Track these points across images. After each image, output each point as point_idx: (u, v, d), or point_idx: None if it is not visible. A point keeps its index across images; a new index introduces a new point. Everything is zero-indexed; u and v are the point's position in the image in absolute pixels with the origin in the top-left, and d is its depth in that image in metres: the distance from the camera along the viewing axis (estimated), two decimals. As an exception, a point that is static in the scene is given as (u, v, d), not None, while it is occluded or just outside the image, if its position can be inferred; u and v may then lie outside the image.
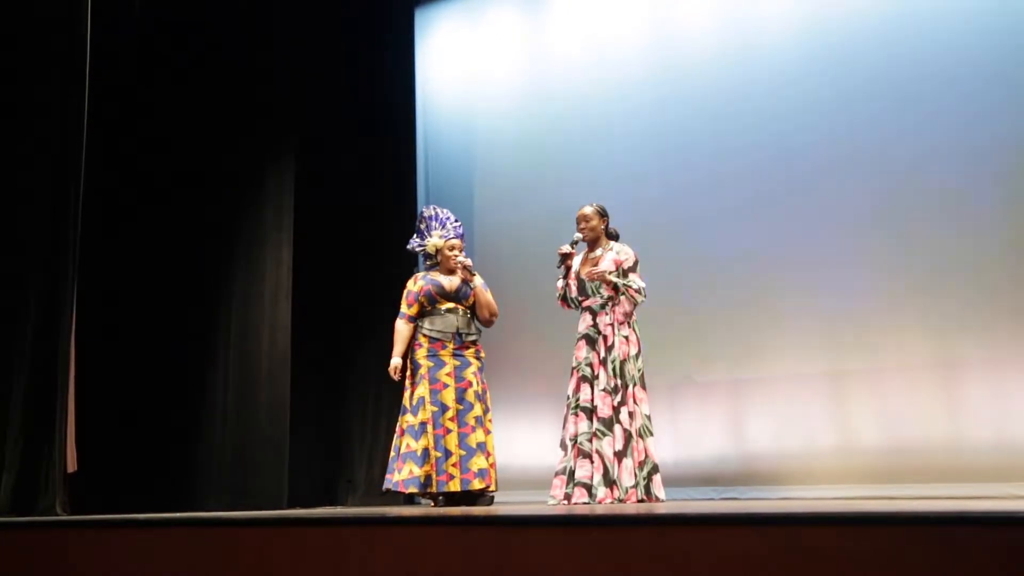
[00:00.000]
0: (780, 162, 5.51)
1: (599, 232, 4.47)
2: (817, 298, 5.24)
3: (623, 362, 4.20)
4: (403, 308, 4.55)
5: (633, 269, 4.36)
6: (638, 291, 4.28)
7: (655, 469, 4.15)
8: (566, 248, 4.44)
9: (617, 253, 4.39)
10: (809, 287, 5.28)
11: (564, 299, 4.52)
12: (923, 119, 5.11)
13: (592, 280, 4.32)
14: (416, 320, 4.51)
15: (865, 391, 5.05)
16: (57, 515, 4.22)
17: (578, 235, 4.48)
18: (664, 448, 4.58)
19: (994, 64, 4.97)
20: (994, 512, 1.79)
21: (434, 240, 4.64)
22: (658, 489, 4.12)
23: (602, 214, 4.49)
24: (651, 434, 4.19)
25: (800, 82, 5.52)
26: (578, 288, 4.43)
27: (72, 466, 4.66)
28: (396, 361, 4.44)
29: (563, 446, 4.30)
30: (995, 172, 4.89)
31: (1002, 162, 4.88)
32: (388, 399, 5.80)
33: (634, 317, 4.33)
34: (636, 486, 4.06)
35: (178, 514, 3.67)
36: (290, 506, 5.54)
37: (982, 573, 1.64)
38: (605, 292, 4.34)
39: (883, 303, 5.05)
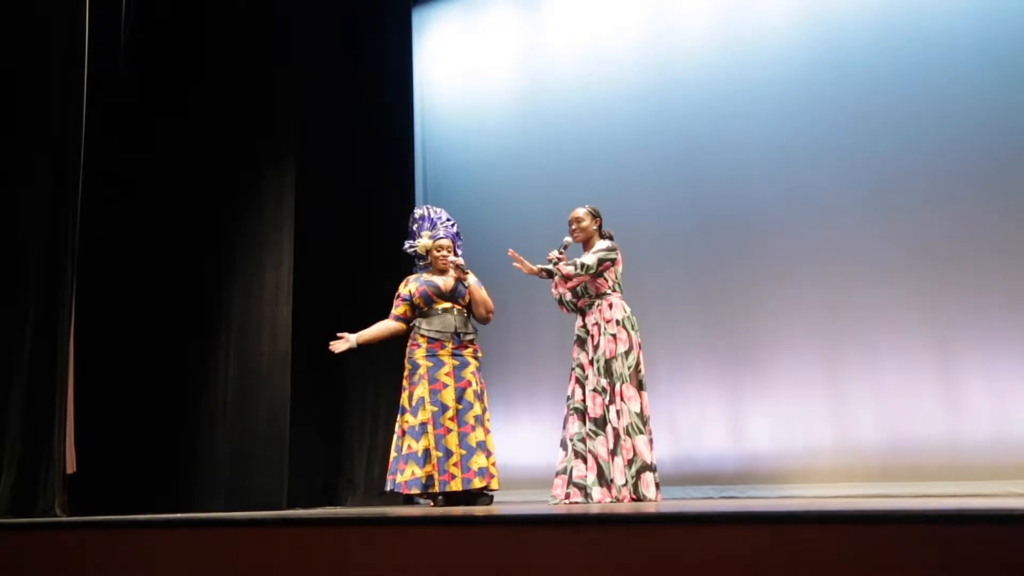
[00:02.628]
0: (778, 161, 5.51)
1: (591, 233, 4.47)
2: (816, 297, 5.25)
3: (609, 360, 4.19)
4: (393, 309, 4.57)
5: (596, 253, 4.33)
6: (567, 265, 4.30)
7: (644, 468, 4.08)
8: (553, 254, 4.42)
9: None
10: (808, 286, 5.29)
11: (561, 303, 4.52)
12: (923, 120, 5.12)
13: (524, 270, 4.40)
14: (403, 321, 4.52)
15: (864, 390, 5.06)
16: (56, 516, 4.22)
17: (568, 238, 4.48)
18: (663, 447, 4.58)
19: (989, 62, 4.98)
20: (993, 510, 1.80)
21: (423, 241, 4.64)
22: (646, 488, 4.05)
23: (594, 215, 4.49)
24: (640, 432, 4.13)
25: (799, 79, 5.53)
26: (571, 293, 4.43)
27: (71, 467, 4.65)
28: (353, 338, 4.44)
29: (563, 446, 4.30)
30: (991, 171, 4.89)
31: (998, 161, 4.88)
32: (387, 399, 5.80)
33: (628, 314, 4.31)
34: (626, 484, 4.05)
35: (178, 515, 3.67)
36: (290, 506, 5.54)
37: (982, 571, 1.65)
38: (592, 291, 4.34)
39: (881, 302, 5.06)
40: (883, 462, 4.90)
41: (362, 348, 6.11)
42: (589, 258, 4.31)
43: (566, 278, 4.34)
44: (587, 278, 4.31)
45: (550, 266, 4.38)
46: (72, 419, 4.67)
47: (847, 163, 5.31)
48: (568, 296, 4.44)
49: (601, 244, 4.38)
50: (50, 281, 4.55)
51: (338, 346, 4.49)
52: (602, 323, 4.25)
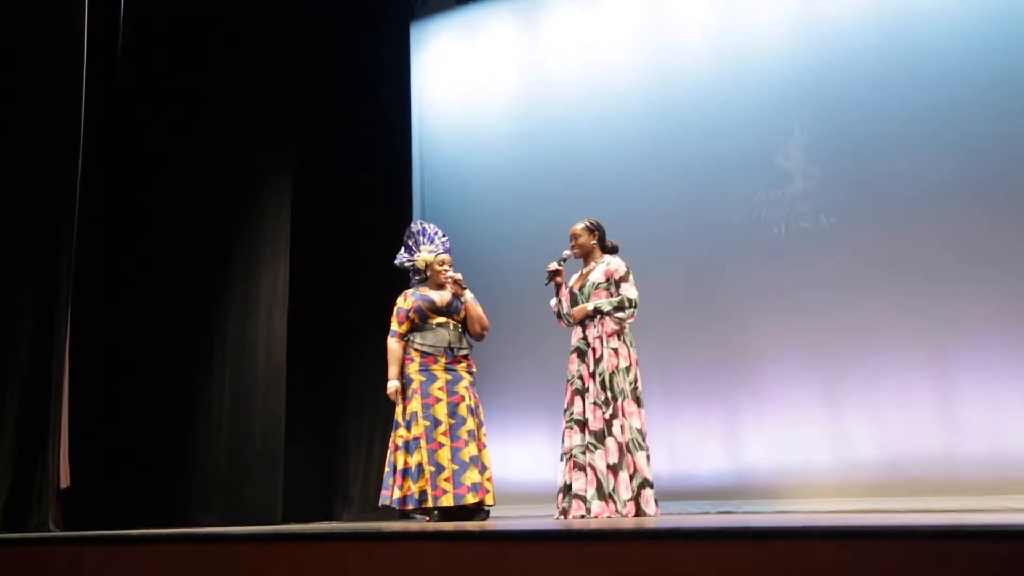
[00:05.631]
0: (775, 176, 5.53)
1: (590, 247, 4.48)
2: (812, 313, 5.26)
3: (612, 375, 4.19)
4: (393, 326, 4.55)
5: (625, 279, 4.35)
6: (620, 308, 4.28)
7: (644, 484, 4.10)
8: (553, 265, 4.45)
9: (608, 265, 4.40)
10: (804, 303, 5.30)
11: (559, 315, 4.53)
12: (919, 137, 5.14)
13: (576, 321, 4.34)
14: (407, 336, 4.51)
15: (860, 405, 5.06)
16: (50, 531, 4.19)
17: (567, 252, 4.49)
18: (661, 462, 4.58)
19: (985, 71, 5.00)
20: (989, 525, 1.80)
21: (423, 255, 4.64)
22: (646, 504, 4.07)
23: (592, 229, 4.49)
24: (641, 448, 4.15)
25: (797, 95, 5.55)
26: (571, 303, 4.44)
27: (65, 481, 4.63)
28: (394, 384, 4.44)
29: (564, 460, 4.29)
30: (986, 186, 4.92)
31: (993, 176, 4.91)
32: (383, 413, 5.78)
33: (627, 330, 4.32)
34: (631, 499, 4.05)
35: (173, 530, 3.66)
36: (285, 520, 5.51)
37: (978, 586, 1.65)
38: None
39: (878, 318, 5.07)
40: (879, 477, 4.90)
41: (359, 361, 6.11)
42: (632, 291, 4.32)
43: (620, 318, 4.29)
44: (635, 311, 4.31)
45: (606, 307, 4.27)
46: (66, 433, 4.65)
47: (843, 179, 5.34)
48: (567, 308, 4.45)
49: (617, 264, 4.38)
50: (46, 293, 4.54)
51: (397, 397, 4.46)
52: (604, 336, 4.25)
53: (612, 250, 4.51)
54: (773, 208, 5.49)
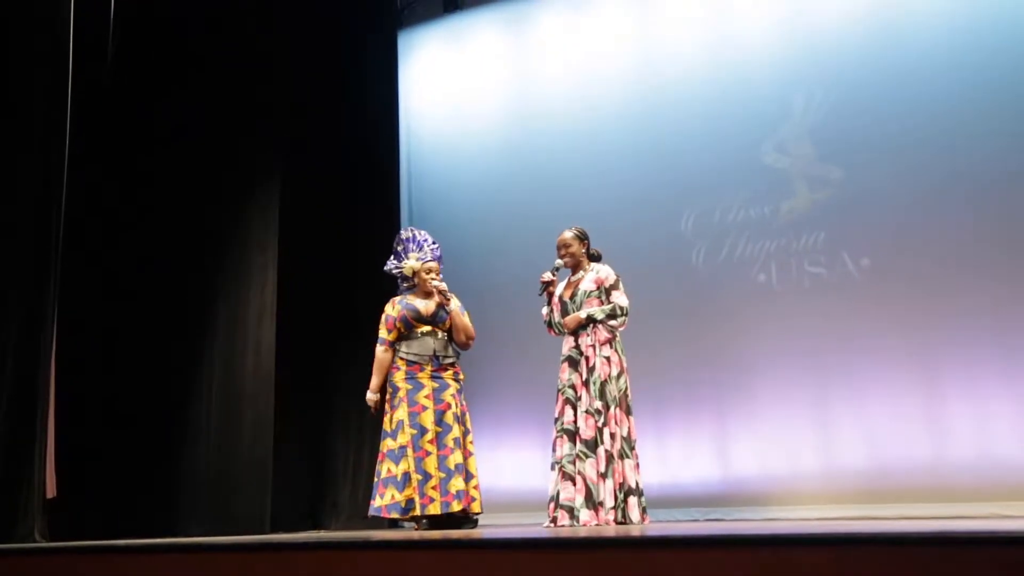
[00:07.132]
0: (765, 185, 5.55)
1: (580, 256, 4.48)
2: (801, 321, 5.28)
3: (604, 383, 4.19)
4: (382, 334, 4.54)
5: (615, 287, 4.37)
6: (612, 316, 4.28)
7: (630, 492, 4.10)
8: (547, 276, 4.45)
9: (597, 273, 4.41)
10: (793, 310, 5.32)
11: (550, 325, 4.52)
12: (907, 145, 5.17)
13: (569, 330, 4.34)
14: (395, 344, 4.51)
15: (848, 413, 5.08)
16: (36, 542, 4.16)
17: (560, 261, 4.49)
18: (650, 470, 4.57)
19: (978, 81, 5.04)
20: (978, 531, 1.81)
21: (411, 263, 4.64)
22: (632, 512, 4.08)
23: (581, 238, 4.50)
24: (627, 456, 4.15)
25: (784, 102, 5.58)
26: (562, 312, 4.44)
27: (51, 491, 4.60)
28: (373, 396, 4.47)
29: (554, 469, 4.29)
30: (972, 196, 4.95)
31: (979, 186, 4.94)
32: (371, 422, 5.76)
33: (617, 338, 4.32)
34: (614, 507, 4.05)
35: (160, 539, 3.63)
36: (273, 530, 5.49)
37: (965, 593, 1.65)
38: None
39: (865, 326, 5.09)
40: (868, 484, 4.92)
41: (347, 370, 6.09)
42: (623, 299, 4.33)
43: (612, 326, 4.30)
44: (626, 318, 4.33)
45: (599, 315, 4.27)
46: (53, 442, 4.62)
47: (831, 190, 5.36)
48: (558, 317, 4.45)
49: (607, 272, 4.39)
50: (31, 303, 4.51)
51: (374, 409, 4.53)
52: (597, 344, 4.25)
53: (596, 257, 4.52)
54: (762, 218, 5.51)
